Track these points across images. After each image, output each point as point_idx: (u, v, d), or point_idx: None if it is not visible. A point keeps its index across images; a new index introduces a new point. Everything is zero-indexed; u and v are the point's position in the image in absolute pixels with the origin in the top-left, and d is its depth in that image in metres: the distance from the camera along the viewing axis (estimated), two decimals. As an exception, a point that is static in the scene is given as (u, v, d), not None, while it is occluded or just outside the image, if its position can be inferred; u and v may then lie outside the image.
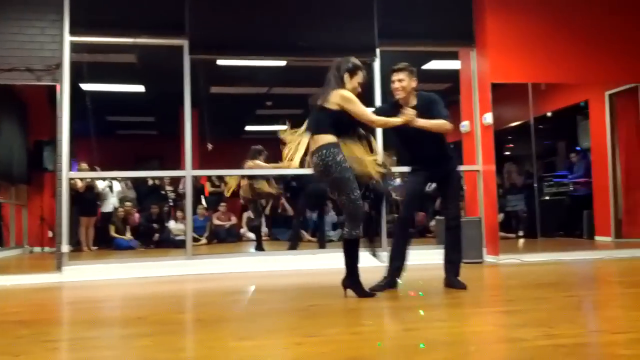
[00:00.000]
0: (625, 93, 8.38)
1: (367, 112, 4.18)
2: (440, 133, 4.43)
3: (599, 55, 7.05)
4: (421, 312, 3.48)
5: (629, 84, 8.08)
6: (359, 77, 4.25)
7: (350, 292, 4.19)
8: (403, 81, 4.45)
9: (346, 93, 4.11)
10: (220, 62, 8.84)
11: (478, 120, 7.01)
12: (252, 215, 10.67)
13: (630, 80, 7.81)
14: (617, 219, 8.68)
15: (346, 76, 4.19)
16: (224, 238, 10.99)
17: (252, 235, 10.87)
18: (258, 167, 8.02)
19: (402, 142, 4.62)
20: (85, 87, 7.98)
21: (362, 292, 4.16)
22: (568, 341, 2.69)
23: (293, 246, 8.13)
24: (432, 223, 10.35)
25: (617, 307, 3.83)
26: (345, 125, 4.15)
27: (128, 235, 10.35)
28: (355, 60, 4.27)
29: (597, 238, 8.85)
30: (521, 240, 9.56)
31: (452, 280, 4.52)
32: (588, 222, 9.19)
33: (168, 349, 2.81)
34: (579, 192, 9.65)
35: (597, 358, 2.53)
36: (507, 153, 12.11)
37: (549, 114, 10.07)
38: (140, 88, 11.22)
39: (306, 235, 10.70)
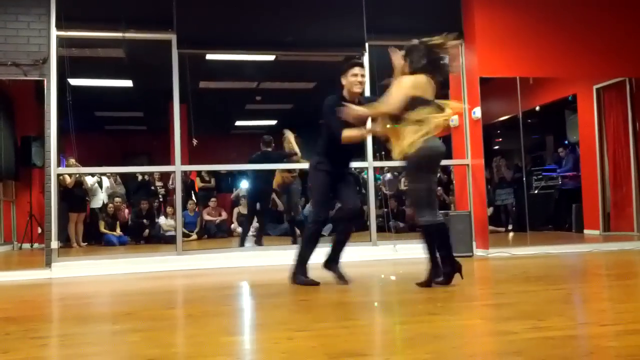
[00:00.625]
0: (613, 87, 8.45)
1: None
2: None
3: (586, 49, 7.09)
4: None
5: (616, 78, 8.14)
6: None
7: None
8: (364, 77, 4.54)
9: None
10: (209, 56, 8.81)
11: (467, 115, 7.03)
12: (242, 211, 10.71)
13: (617, 74, 7.88)
14: (606, 213, 8.75)
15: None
16: (214, 233, 10.97)
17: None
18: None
19: (337, 141, 4.43)
20: (73, 82, 7.91)
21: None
22: (556, 333, 2.71)
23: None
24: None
25: (605, 299, 3.87)
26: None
27: (118, 231, 10.31)
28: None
29: (586, 231, 8.92)
30: (510, 234, 9.61)
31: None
32: (577, 216, 9.26)
33: (158, 344, 2.80)
34: (568, 185, 9.72)
35: (585, 350, 2.54)
36: (496, 147, 12.15)
37: (537, 108, 10.12)
38: (128, 83, 11.15)
39: (298, 231, 10.71)
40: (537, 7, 7.05)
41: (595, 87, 8.73)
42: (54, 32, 6.25)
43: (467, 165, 7.04)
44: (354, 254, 6.49)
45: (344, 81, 4.53)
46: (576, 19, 7.11)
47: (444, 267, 4.16)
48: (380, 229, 9.30)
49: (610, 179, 8.74)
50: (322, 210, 4.59)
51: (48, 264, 6.07)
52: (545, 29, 7.01)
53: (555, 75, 7.71)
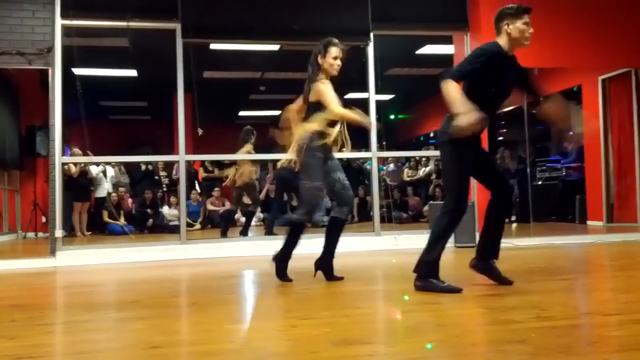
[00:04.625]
0: (619, 78, 8.41)
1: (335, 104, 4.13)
2: None
3: (592, 40, 7.06)
4: (406, 297, 3.51)
5: (622, 68, 8.10)
6: (332, 52, 4.20)
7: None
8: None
9: (321, 86, 4.13)
10: (213, 46, 8.79)
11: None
12: (248, 200, 10.70)
13: (623, 64, 7.84)
14: (609, 204, 8.74)
15: (319, 58, 4.22)
16: (218, 223, 10.99)
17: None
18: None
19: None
20: (78, 71, 7.91)
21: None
22: (560, 323, 2.72)
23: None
24: (426, 208, 10.39)
25: (608, 290, 3.87)
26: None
27: (122, 221, 10.34)
28: (324, 40, 4.26)
29: (589, 222, 8.91)
30: (514, 225, 9.60)
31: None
32: (580, 207, 9.25)
33: (163, 331, 2.82)
34: (572, 177, 9.70)
35: (588, 339, 2.55)
36: (501, 138, 12.13)
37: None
38: (133, 72, 11.15)
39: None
40: (543, -3, 7.02)
41: (600, 77, 8.70)
42: (59, 21, 6.25)
43: (471, 155, 7.02)
44: (357, 244, 6.53)
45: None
46: (582, 10, 7.07)
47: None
48: (384, 219, 9.33)
49: (615, 170, 8.72)
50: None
51: (53, 253, 6.10)
52: (551, 19, 6.96)
53: (560, 65, 7.67)
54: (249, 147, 8.08)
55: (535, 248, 6.45)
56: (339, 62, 4.24)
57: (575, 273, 4.67)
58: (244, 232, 8.40)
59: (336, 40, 4.27)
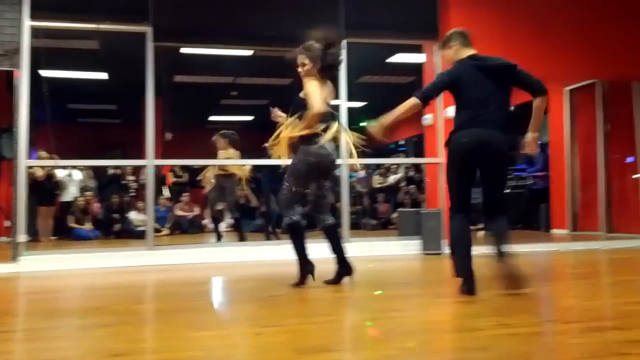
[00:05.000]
0: (584, 89, 8.59)
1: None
2: None
3: (559, 51, 7.19)
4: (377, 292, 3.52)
5: (587, 80, 8.28)
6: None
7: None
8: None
9: (308, 83, 4.12)
10: (185, 50, 8.74)
11: (440, 114, 7.09)
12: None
13: (588, 76, 8.01)
14: (574, 212, 8.91)
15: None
16: (186, 229, 10.90)
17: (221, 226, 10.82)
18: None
19: None
20: (46, 73, 7.80)
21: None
22: (522, 330, 2.76)
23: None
24: (395, 215, 10.45)
25: (571, 297, 3.94)
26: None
27: (88, 226, 10.19)
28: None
29: (554, 231, 9.06)
30: (480, 232, 9.68)
31: None
32: (545, 215, 9.40)
33: (126, 339, 2.78)
34: (538, 185, 9.85)
35: (549, 347, 2.59)
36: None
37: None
38: (103, 75, 11.02)
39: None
40: (513, 8, 7.14)
41: (566, 88, 8.87)
42: (27, 22, 6.13)
43: (439, 163, 7.09)
44: (326, 250, 6.51)
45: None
46: (550, 21, 7.21)
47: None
48: (354, 226, 9.35)
49: (579, 179, 8.90)
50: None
51: (14, 258, 5.96)
52: (520, 30, 7.09)
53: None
54: (231, 152, 8.02)
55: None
56: (299, 68, 4.23)
57: (539, 281, 4.73)
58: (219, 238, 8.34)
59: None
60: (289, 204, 4.15)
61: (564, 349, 2.51)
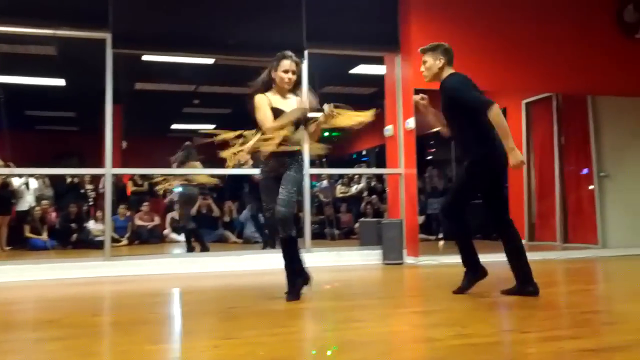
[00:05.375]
0: (541, 102, 8.81)
1: (267, 120, 4.09)
2: None
3: (517, 65, 7.34)
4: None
5: (544, 93, 8.49)
6: (283, 65, 4.17)
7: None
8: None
9: (256, 100, 4.14)
10: (146, 57, 8.64)
11: (401, 125, 7.16)
12: (176, 217, 10.48)
13: (545, 89, 8.21)
14: (531, 223, 9.08)
15: (272, 72, 4.21)
16: (146, 239, 10.72)
17: (176, 236, 10.67)
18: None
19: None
20: (1, 79, 7.61)
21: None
22: (480, 340, 2.79)
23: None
24: (357, 225, 10.48)
25: (528, 307, 3.99)
26: None
27: (44, 236, 9.93)
28: (279, 53, 4.24)
29: (513, 241, 9.20)
30: (441, 242, 9.82)
31: None
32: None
33: (79, 353, 2.71)
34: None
35: (506, 356, 2.63)
36: (429, 158, 12.43)
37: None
38: (60, 82, 10.80)
39: (232, 237, 10.62)
40: (472, 22, 7.25)
41: (524, 101, 9.08)
42: (-20, 27, 5.98)
43: (400, 174, 7.16)
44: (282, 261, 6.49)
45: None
46: (507, 36, 7.35)
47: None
48: (317, 236, 9.34)
49: (536, 190, 9.09)
50: None
51: (-34, 269, 5.77)
52: (479, 43, 7.21)
53: (487, 89, 7.87)
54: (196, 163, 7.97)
55: (460, 265, 6.56)
56: (290, 75, 4.17)
57: (497, 290, 4.80)
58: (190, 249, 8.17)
59: (289, 53, 4.21)
60: (292, 218, 4.11)
61: (521, 359, 2.54)
